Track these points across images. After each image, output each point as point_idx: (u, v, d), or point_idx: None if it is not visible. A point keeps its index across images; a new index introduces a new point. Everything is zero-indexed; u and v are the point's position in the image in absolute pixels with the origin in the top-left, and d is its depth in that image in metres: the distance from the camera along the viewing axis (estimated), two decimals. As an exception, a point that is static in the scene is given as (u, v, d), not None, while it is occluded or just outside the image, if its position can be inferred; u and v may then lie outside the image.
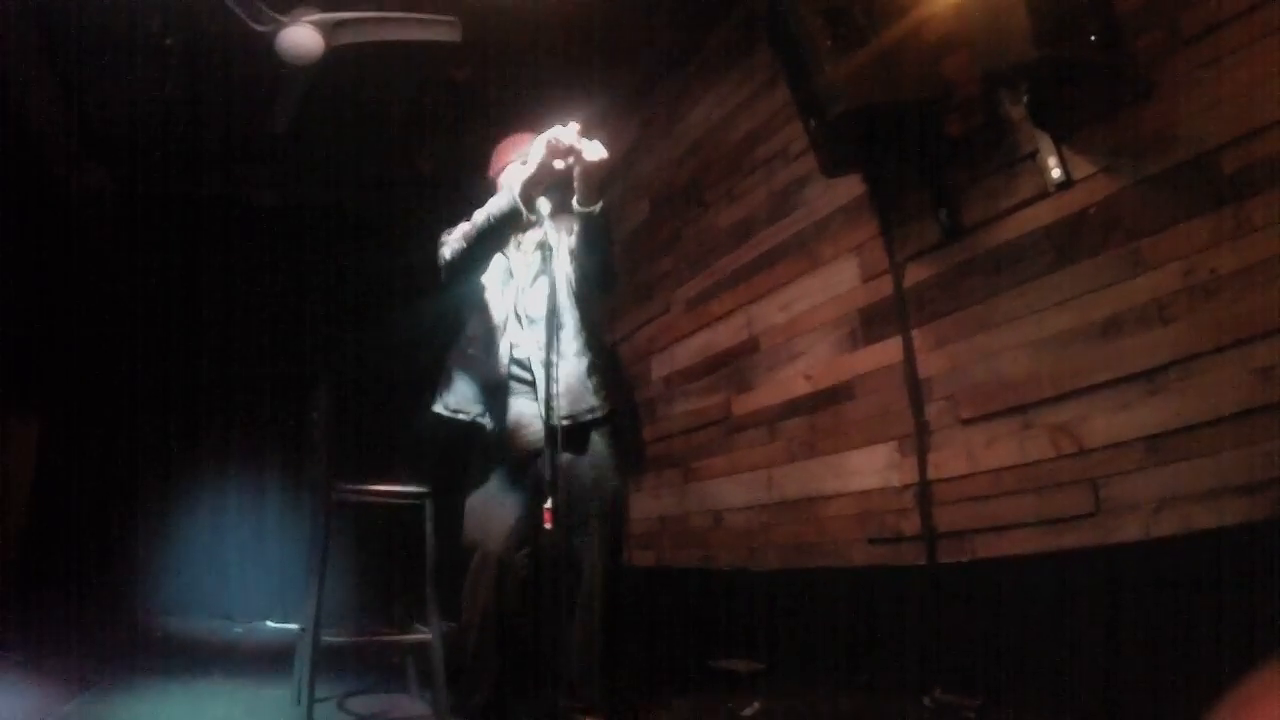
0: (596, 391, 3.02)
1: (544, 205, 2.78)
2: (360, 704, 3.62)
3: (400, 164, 6.19)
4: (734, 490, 4.41)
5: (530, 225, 2.91)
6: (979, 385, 3.16)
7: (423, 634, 3.46)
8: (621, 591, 3.01)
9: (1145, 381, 2.60)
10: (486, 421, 2.93)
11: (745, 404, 4.40)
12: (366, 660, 4.18)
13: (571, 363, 3.01)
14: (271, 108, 4.57)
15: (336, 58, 4.03)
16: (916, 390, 3.38)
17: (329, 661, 3.43)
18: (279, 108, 4.52)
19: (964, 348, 3.23)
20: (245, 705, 3.49)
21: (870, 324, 3.67)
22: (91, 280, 6.04)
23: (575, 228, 2.92)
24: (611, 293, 3.23)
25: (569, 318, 3.06)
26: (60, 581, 5.34)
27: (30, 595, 5.12)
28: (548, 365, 2.68)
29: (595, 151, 2.71)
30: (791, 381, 4.08)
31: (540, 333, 2.84)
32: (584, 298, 3.10)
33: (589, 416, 2.96)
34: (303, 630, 3.42)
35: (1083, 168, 2.82)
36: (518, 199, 2.73)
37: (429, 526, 3.45)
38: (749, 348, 4.41)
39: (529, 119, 3.35)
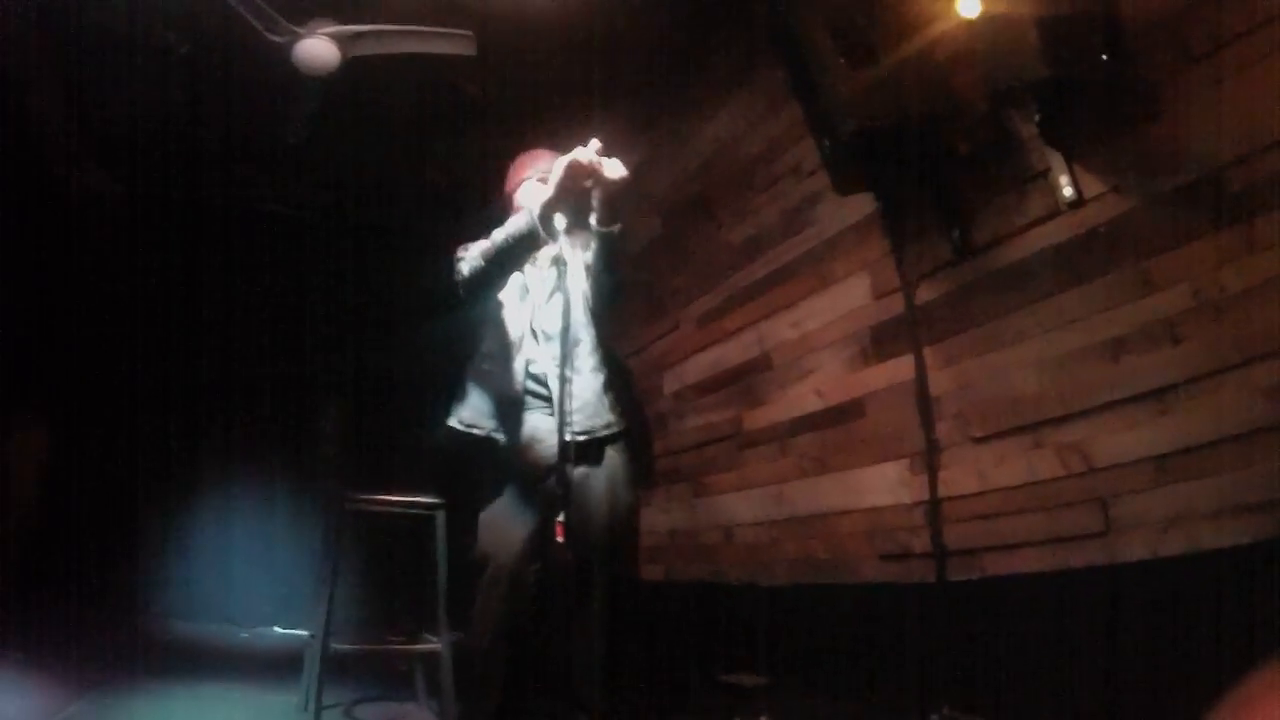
0: (613, 407, 3.02)
1: (559, 221, 2.78)
2: (368, 712, 3.64)
3: (409, 172, 6.22)
4: (744, 505, 4.41)
5: (547, 243, 2.91)
6: (989, 403, 3.16)
7: (432, 644, 3.47)
8: (632, 607, 3.01)
9: (1154, 401, 2.60)
10: (501, 436, 2.93)
11: (756, 419, 4.41)
12: (375, 669, 4.19)
13: (587, 378, 3.01)
14: (286, 118, 4.60)
15: (348, 67, 4.05)
16: (927, 408, 3.38)
17: (337, 669, 3.44)
18: (294, 119, 4.55)
19: (974, 366, 3.23)
20: (251, 710, 3.51)
21: (881, 341, 3.68)
22: (96, 283, 6.06)
23: (593, 246, 2.92)
24: (620, 305, 3.22)
25: (585, 334, 3.06)
26: (66, 584, 5.35)
27: (36, 597, 5.14)
28: (562, 380, 2.68)
29: (615, 170, 2.71)
30: (802, 398, 4.09)
31: (556, 348, 2.85)
32: (600, 314, 3.10)
33: (604, 432, 2.96)
34: (312, 637, 3.43)
35: (1093, 186, 2.82)
36: (536, 221, 2.70)
37: (440, 537, 3.46)
38: (760, 364, 4.42)
39: (541, 133, 3.37)
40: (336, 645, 3.31)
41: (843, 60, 3.06)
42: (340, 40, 3.90)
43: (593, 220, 2.82)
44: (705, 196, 5.01)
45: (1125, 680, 2.58)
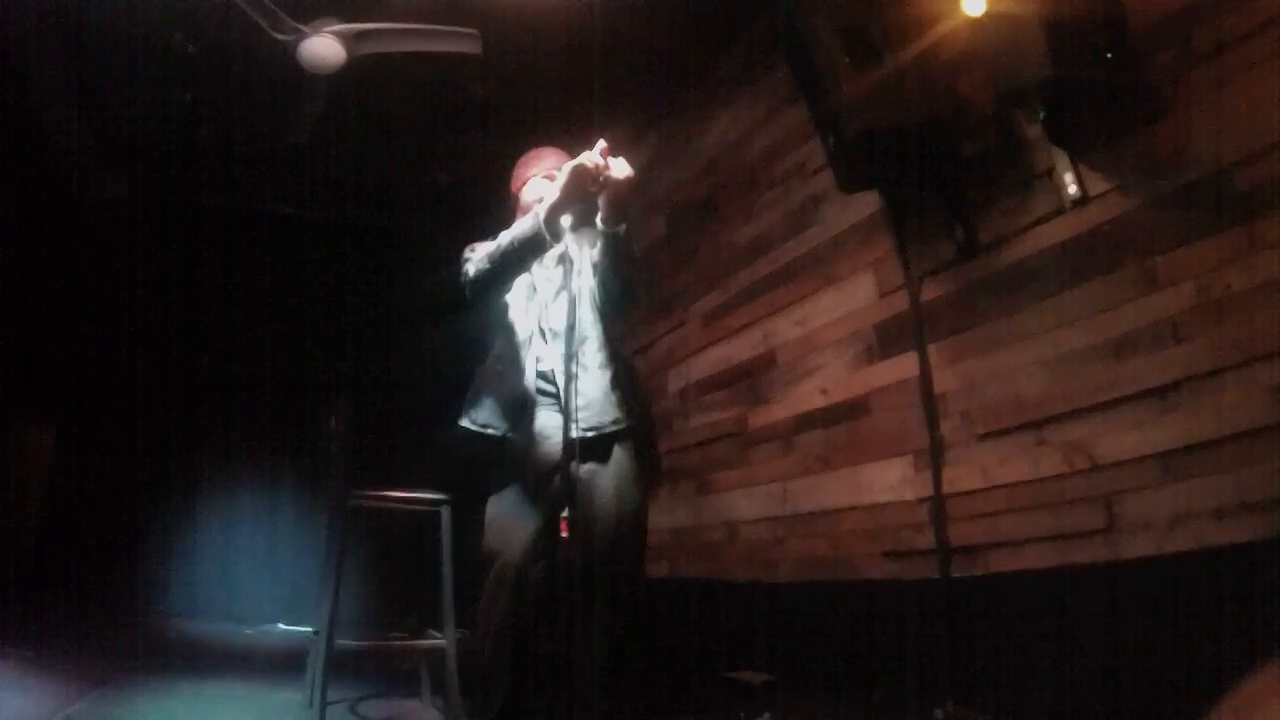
0: (620, 405, 3.02)
1: (565, 220, 2.79)
2: (372, 708, 3.64)
3: (412, 173, 6.23)
4: (749, 503, 4.42)
5: (552, 246, 2.91)
6: (993, 401, 3.16)
7: (437, 640, 3.47)
8: (638, 605, 3.01)
9: (1158, 399, 2.61)
10: (514, 435, 2.95)
11: (761, 418, 4.42)
12: (380, 665, 4.20)
13: (595, 375, 3.01)
14: (290, 117, 4.61)
15: (346, 68, 4.06)
16: (931, 406, 3.39)
17: (342, 666, 3.45)
18: (299, 117, 4.56)
19: (979, 364, 3.24)
20: (256, 707, 3.51)
21: (886, 340, 3.69)
22: (98, 283, 6.09)
23: (599, 246, 2.92)
24: (635, 305, 3.22)
25: (593, 331, 3.06)
26: (73, 582, 5.38)
27: (43, 596, 5.16)
28: (568, 378, 2.69)
29: (622, 170, 2.72)
30: (807, 396, 4.10)
31: (563, 346, 2.86)
32: (609, 314, 3.11)
33: (612, 429, 2.96)
34: (316, 633, 3.44)
35: (1097, 185, 2.83)
36: (542, 225, 2.71)
37: (445, 533, 3.46)
38: (765, 362, 4.43)
39: (545, 133, 3.38)
40: (341, 642, 3.31)
41: (848, 60, 3.06)
42: (345, 39, 3.91)
43: (598, 220, 2.83)
44: (710, 196, 5.02)
45: (1127, 677, 2.59)
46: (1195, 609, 2.42)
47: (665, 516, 5.05)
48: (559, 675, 2.71)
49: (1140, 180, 2.70)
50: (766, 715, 3.27)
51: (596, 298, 3.07)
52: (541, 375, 2.95)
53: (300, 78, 4.11)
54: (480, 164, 4.99)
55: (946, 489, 3.29)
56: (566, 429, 2.61)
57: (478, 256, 2.91)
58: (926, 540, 3.34)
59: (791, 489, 4.11)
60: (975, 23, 2.86)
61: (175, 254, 6.44)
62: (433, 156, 6.05)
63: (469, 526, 3.21)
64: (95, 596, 5.39)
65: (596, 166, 2.67)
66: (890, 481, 3.57)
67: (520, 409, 2.95)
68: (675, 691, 3.76)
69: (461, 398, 3.12)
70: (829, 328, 4.00)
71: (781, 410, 4.27)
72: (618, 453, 3.00)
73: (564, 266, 2.90)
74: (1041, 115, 2.94)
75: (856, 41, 3.10)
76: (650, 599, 4.82)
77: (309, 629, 3.87)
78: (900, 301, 3.60)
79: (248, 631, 5.59)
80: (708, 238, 5.03)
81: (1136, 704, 2.55)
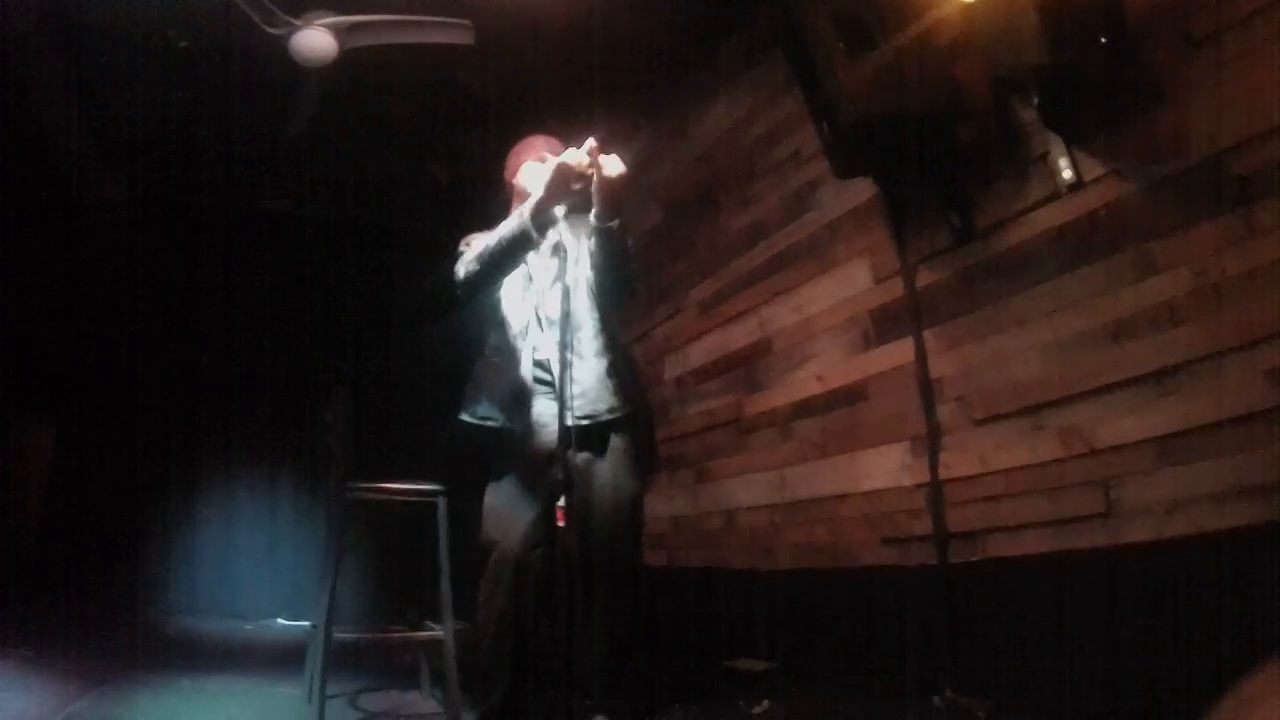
0: (616, 393, 3.03)
1: (558, 209, 2.79)
2: (372, 701, 3.65)
3: (410, 169, 6.21)
4: (746, 491, 4.42)
5: (541, 244, 2.89)
6: (990, 387, 3.16)
7: (435, 632, 3.47)
8: (637, 592, 3.02)
9: (1155, 383, 2.61)
10: (512, 425, 2.95)
11: (758, 405, 4.42)
12: (379, 658, 4.21)
13: (591, 364, 3.02)
14: (284, 112, 4.60)
15: (343, 64, 4.05)
16: (928, 392, 3.39)
17: (341, 659, 3.45)
18: (292, 112, 4.54)
19: (975, 349, 3.24)
20: (257, 702, 3.51)
21: (882, 326, 3.68)
22: (98, 282, 6.07)
23: (594, 241, 2.92)
24: (632, 298, 3.24)
25: (588, 319, 3.07)
26: (74, 581, 5.38)
27: (44, 594, 5.16)
28: (563, 366, 2.69)
29: (614, 167, 2.72)
30: (804, 383, 4.09)
31: (559, 335, 2.86)
32: (605, 307, 3.11)
33: (608, 417, 2.97)
34: (314, 627, 3.44)
35: (1093, 170, 2.82)
36: (529, 223, 2.72)
37: (442, 524, 3.46)
38: (762, 349, 4.43)
39: (542, 126, 3.39)
40: (339, 635, 3.31)
41: (843, 47, 3.05)
42: (337, 31, 3.89)
43: (592, 216, 2.83)
44: (707, 184, 5.01)
45: (1127, 662, 2.59)
46: (1194, 594, 2.43)
47: (663, 505, 5.05)
48: (559, 665, 2.72)
49: (1137, 165, 2.69)
50: (766, 703, 3.28)
51: (593, 287, 3.08)
52: (538, 364, 2.96)
53: (294, 72, 4.09)
54: (480, 160, 4.97)
55: (944, 475, 3.29)
56: (562, 417, 2.61)
57: (468, 258, 2.92)
58: (924, 526, 3.34)
59: (789, 476, 4.12)
60: (970, 8, 2.84)
61: (174, 253, 6.44)
62: (432, 154, 6.04)
63: (468, 518, 3.21)
64: (95, 595, 5.40)
65: (579, 164, 2.68)
66: (888, 468, 3.57)
67: (518, 398, 2.96)
68: (675, 680, 3.76)
69: (460, 394, 3.13)
70: (825, 314, 4.00)
71: (778, 397, 4.27)
72: (614, 441, 3.01)
73: (559, 256, 2.90)
74: (1036, 100, 2.94)
75: (852, 29, 3.08)
76: (649, 587, 4.84)
77: (308, 623, 3.88)
78: (896, 287, 3.59)
79: (248, 627, 5.61)
80: (704, 226, 5.02)
81: (1135, 689, 2.56)
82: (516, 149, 3.27)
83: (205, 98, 5.13)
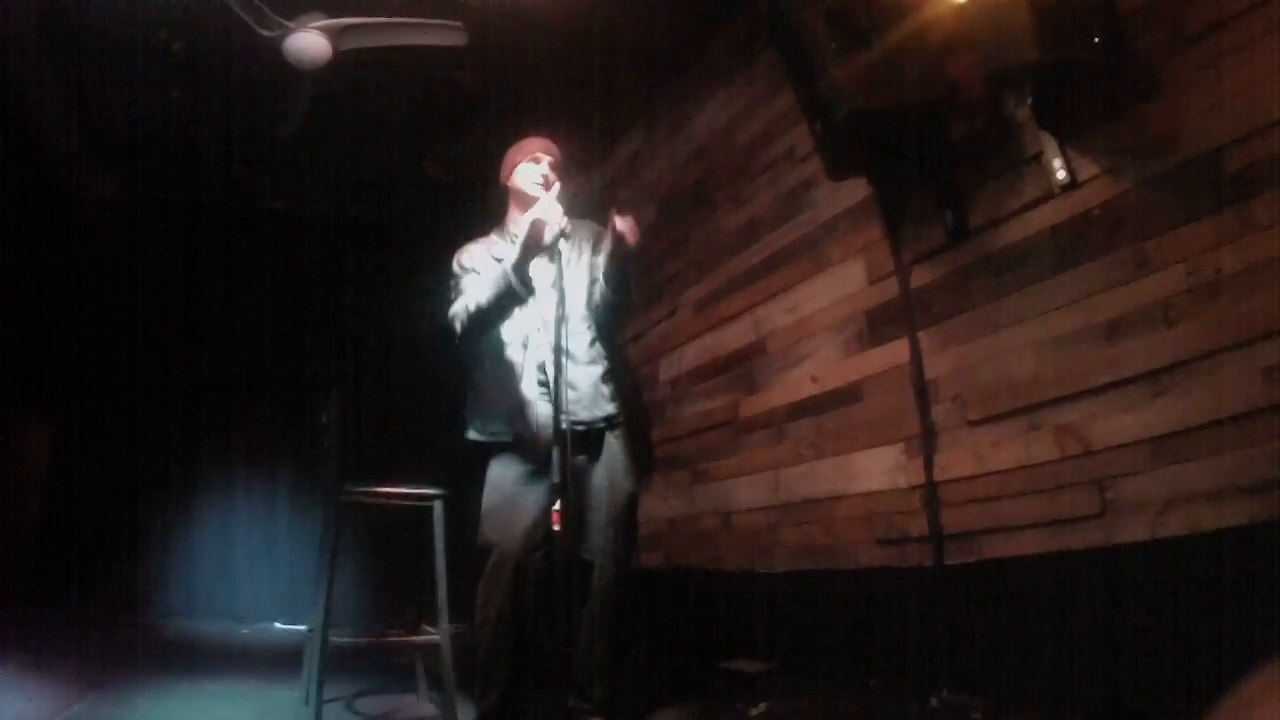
0: (612, 398, 3.07)
1: (558, 218, 2.84)
2: (369, 704, 3.65)
3: (408, 169, 6.21)
4: (742, 491, 4.41)
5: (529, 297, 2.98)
6: (985, 386, 3.15)
7: (432, 635, 3.47)
8: (631, 594, 3.03)
9: (1150, 382, 2.60)
10: (515, 430, 3.00)
11: (753, 405, 4.41)
12: (376, 661, 4.20)
13: (585, 369, 3.05)
14: (279, 113, 4.59)
15: (341, 63, 4.05)
16: (923, 391, 3.38)
17: (339, 662, 3.45)
18: (285, 113, 4.54)
19: (970, 349, 3.23)
20: (254, 705, 3.51)
21: (877, 326, 3.67)
22: (96, 283, 6.07)
23: (601, 293, 3.09)
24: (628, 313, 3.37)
25: (583, 325, 3.10)
26: (71, 584, 5.38)
27: (41, 597, 5.16)
28: (557, 369, 2.70)
29: (631, 234, 2.90)
30: (799, 383, 4.08)
31: (553, 339, 2.89)
32: (600, 321, 3.17)
33: (604, 421, 3.00)
34: (311, 631, 3.44)
35: (1087, 168, 2.81)
36: (514, 278, 2.84)
37: (439, 528, 3.46)
38: (756, 349, 4.42)
39: (539, 125, 3.42)
40: (336, 639, 3.31)
41: (835, 45, 3.04)
42: (331, 33, 3.89)
43: (601, 278, 3.02)
44: (701, 183, 5.00)
45: (1124, 662, 2.59)
46: (1192, 593, 2.42)
47: (659, 506, 5.05)
48: (556, 666, 2.72)
49: (1131, 163, 2.68)
50: (764, 704, 3.28)
51: (590, 292, 3.12)
52: (538, 368, 2.99)
53: (291, 72, 4.09)
54: (478, 159, 4.97)
55: (939, 475, 3.28)
56: (557, 421, 2.62)
57: (460, 309, 3.03)
58: (920, 527, 3.33)
59: (784, 477, 4.11)
60: (963, 5, 2.83)
61: (172, 253, 6.43)
62: (427, 153, 6.03)
63: (466, 521, 3.21)
64: (94, 597, 5.40)
65: (549, 222, 2.83)
66: (883, 468, 3.56)
67: (520, 406, 3.00)
68: (672, 681, 3.76)
69: (459, 395, 3.15)
70: (820, 314, 3.99)
71: (773, 398, 4.26)
72: (610, 444, 3.04)
73: (554, 260, 2.92)
74: (1031, 98, 2.93)
75: (844, 26, 3.07)
76: (646, 589, 4.84)
77: (305, 626, 3.88)
78: (891, 287, 3.58)
79: (245, 630, 5.60)
80: (698, 225, 5.01)
81: (1133, 688, 2.55)
82: (511, 151, 3.31)
83: (203, 98, 5.12)
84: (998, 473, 3.07)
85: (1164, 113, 2.58)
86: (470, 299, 2.98)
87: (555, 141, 3.33)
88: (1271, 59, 2.31)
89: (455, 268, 3.17)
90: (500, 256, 3.07)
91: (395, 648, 4.15)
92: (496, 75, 5.03)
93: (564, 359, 2.75)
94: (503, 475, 3.04)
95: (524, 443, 2.98)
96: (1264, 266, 2.31)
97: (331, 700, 3.35)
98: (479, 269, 3.11)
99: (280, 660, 4.32)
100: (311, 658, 3.30)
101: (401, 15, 3.94)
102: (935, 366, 3.36)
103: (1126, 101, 2.68)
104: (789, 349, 4.18)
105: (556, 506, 2.55)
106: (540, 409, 2.96)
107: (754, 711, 3.23)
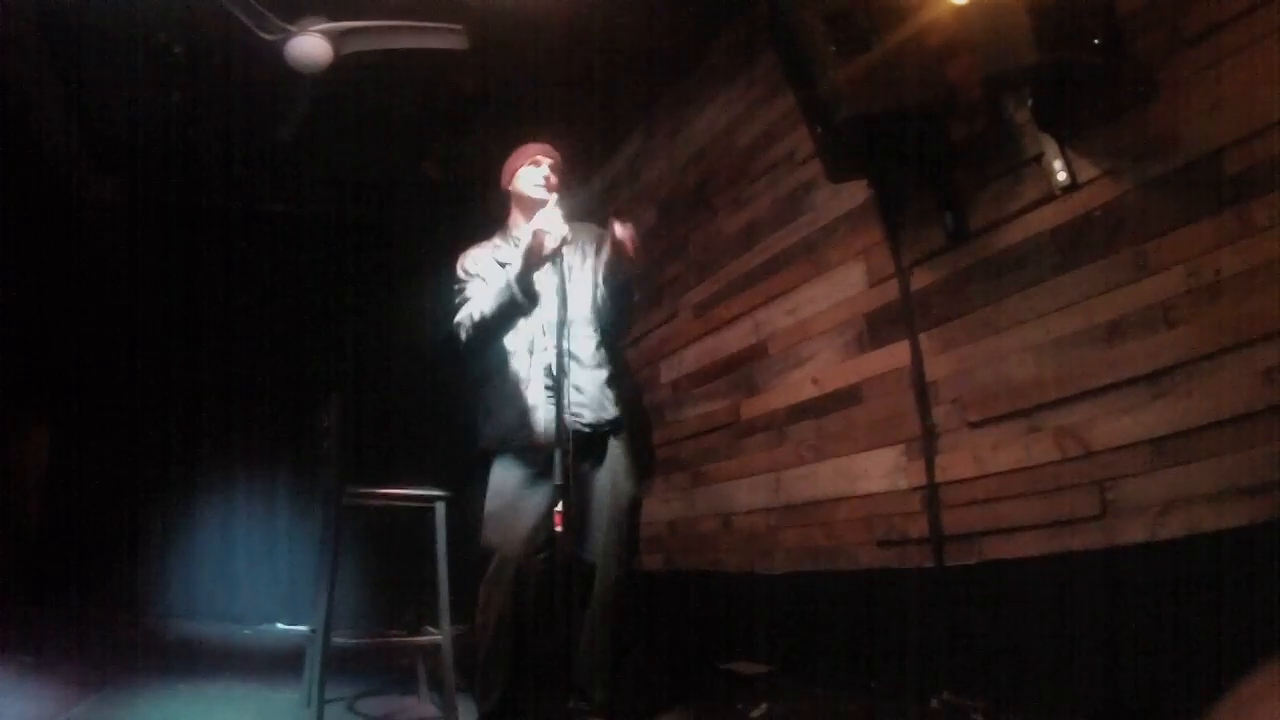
0: (617, 402, 3.08)
1: (558, 224, 2.85)
2: (370, 705, 3.65)
3: (408, 170, 6.20)
4: (742, 493, 4.42)
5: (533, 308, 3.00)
6: (985, 388, 3.16)
7: (433, 636, 3.47)
8: (633, 597, 3.04)
9: (1150, 384, 2.60)
10: (523, 432, 3.01)
11: (753, 408, 4.41)
12: (377, 663, 4.20)
13: (590, 372, 3.06)
14: (279, 115, 4.60)
15: (341, 65, 4.05)
16: (923, 393, 3.39)
17: (340, 663, 3.46)
18: (285, 115, 4.55)
19: (970, 351, 3.23)
20: (255, 706, 3.52)
21: (877, 328, 3.68)
22: (96, 284, 6.07)
23: (600, 292, 3.12)
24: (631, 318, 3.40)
25: (590, 329, 3.12)
26: (71, 585, 5.37)
27: (41, 598, 5.15)
28: (561, 372, 2.71)
29: (630, 239, 2.91)
30: (799, 385, 4.09)
31: (556, 341, 2.90)
32: (604, 325, 3.19)
33: (608, 425, 3.01)
34: (313, 632, 3.44)
35: (1087, 170, 2.82)
36: (517, 291, 2.87)
37: (440, 529, 3.46)
38: (757, 352, 4.42)
39: (539, 127, 3.43)
40: (337, 640, 3.31)
41: (834, 48, 3.04)
42: (332, 37, 3.90)
43: (601, 278, 3.07)
44: (701, 185, 5.00)
45: (1124, 663, 2.59)
46: (1192, 594, 2.42)
47: (660, 508, 5.05)
48: (557, 667, 2.73)
49: (1131, 165, 2.68)
50: (764, 706, 3.28)
51: (595, 297, 3.13)
52: (545, 372, 3.00)
53: (291, 74, 4.09)
54: (478, 161, 4.97)
55: (939, 477, 3.28)
56: (559, 422, 2.63)
57: (464, 324, 3.06)
58: (920, 528, 3.34)
59: (785, 479, 4.11)
60: (963, 8, 2.84)
61: (172, 254, 6.41)
62: (429, 154, 6.03)
63: (467, 522, 3.22)
64: (94, 599, 5.39)
65: (550, 232, 2.84)
66: (883, 470, 3.56)
67: (527, 409, 3.01)
68: (673, 682, 3.77)
69: (459, 395, 3.17)
70: (820, 317, 3.99)
71: (774, 400, 4.26)
72: (612, 447, 3.05)
73: (557, 265, 2.93)
74: (1030, 100, 2.93)
75: (843, 28, 3.08)
76: (647, 591, 4.85)
77: (306, 628, 3.88)
78: (891, 289, 3.59)
79: (246, 631, 5.60)
80: (699, 227, 5.01)
81: (1133, 688, 2.56)
82: (512, 156, 3.33)
83: (203, 99, 5.12)
84: (998, 474, 3.07)
85: (1164, 114, 2.59)
86: (474, 309, 2.99)
87: (555, 148, 3.35)
88: (1271, 61, 2.32)
89: (459, 272, 3.18)
90: (504, 260, 3.08)
91: (396, 649, 4.15)
92: (496, 76, 5.03)
93: (569, 362, 2.77)
94: (505, 479, 3.05)
95: (529, 447, 2.98)
96: (1264, 268, 2.32)
97: (332, 701, 3.35)
98: (483, 273, 3.12)
99: (281, 661, 4.32)
100: (312, 659, 3.30)
101: (402, 18, 3.94)
102: (935, 368, 3.37)
103: (1126, 103, 2.69)
104: (789, 351, 4.18)
105: (559, 508, 2.56)
106: (547, 412, 2.96)
107: (754, 713, 3.24)
